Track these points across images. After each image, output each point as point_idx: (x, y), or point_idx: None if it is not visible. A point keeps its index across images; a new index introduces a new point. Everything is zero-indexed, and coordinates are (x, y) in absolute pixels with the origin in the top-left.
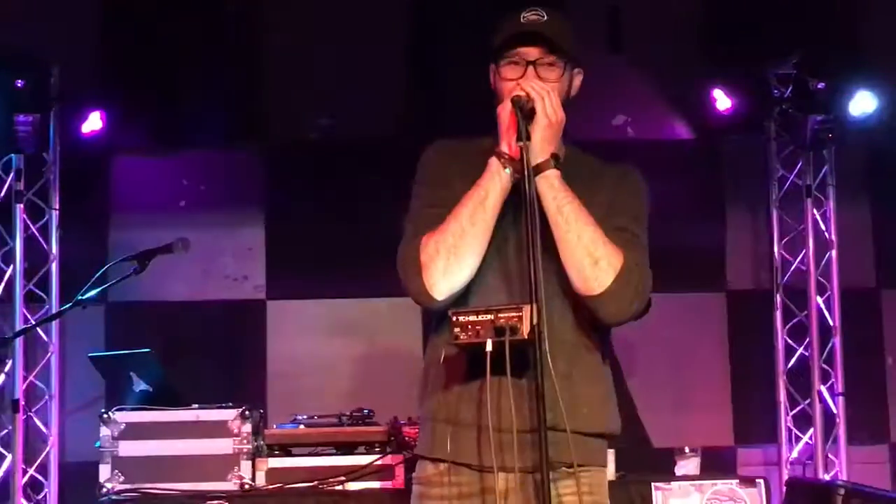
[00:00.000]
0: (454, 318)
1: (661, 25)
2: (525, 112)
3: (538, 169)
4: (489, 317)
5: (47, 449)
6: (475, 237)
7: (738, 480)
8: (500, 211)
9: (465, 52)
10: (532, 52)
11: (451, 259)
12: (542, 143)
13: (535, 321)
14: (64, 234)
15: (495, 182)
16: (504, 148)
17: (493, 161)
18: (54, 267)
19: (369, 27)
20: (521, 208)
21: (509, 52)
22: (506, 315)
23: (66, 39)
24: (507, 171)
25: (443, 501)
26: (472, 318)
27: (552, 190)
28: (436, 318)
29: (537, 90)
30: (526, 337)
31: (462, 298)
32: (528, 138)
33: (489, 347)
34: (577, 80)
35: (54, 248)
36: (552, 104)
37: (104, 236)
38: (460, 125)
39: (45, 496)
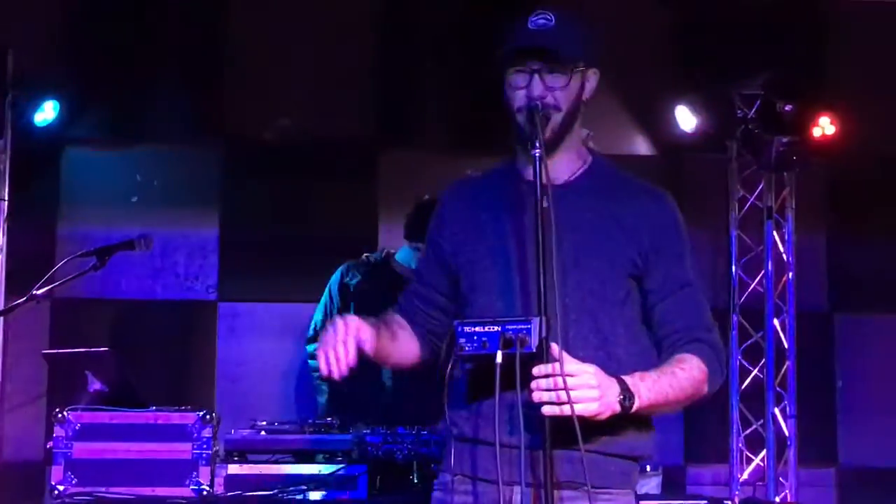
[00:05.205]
0: (459, 329)
1: (628, 40)
2: (541, 118)
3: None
4: (496, 328)
5: None
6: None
7: (706, 501)
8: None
9: (430, 59)
10: (535, 61)
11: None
12: (608, 409)
13: (543, 334)
14: (11, 224)
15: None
16: None
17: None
18: (1, 259)
19: (333, 28)
20: (533, 222)
21: (515, 61)
22: (514, 327)
23: (23, 24)
24: None
25: None
26: (479, 328)
27: (648, 400)
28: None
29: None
30: (534, 350)
31: (470, 310)
32: (542, 146)
33: (499, 359)
34: (593, 81)
35: (1, 240)
36: (586, 399)
37: (52, 229)
38: (421, 130)
39: None
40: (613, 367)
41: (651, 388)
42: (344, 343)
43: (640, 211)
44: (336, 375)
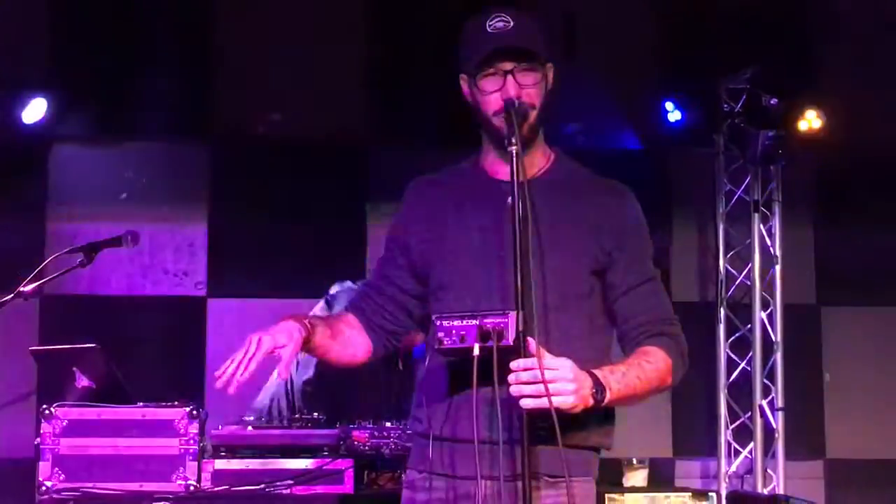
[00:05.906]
0: (438, 323)
1: (617, 35)
2: (518, 116)
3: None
4: (474, 322)
5: None
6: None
7: (690, 493)
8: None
9: (420, 56)
10: (507, 62)
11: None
12: (583, 402)
13: (521, 327)
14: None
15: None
16: None
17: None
18: None
19: (325, 25)
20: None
21: (485, 66)
22: (492, 320)
23: (11, 21)
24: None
25: None
26: (457, 322)
27: (618, 393)
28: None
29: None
30: (511, 343)
31: (439, 307)
32: (519, 142)
33: (476, 352)
34: (551, 73)
35: None
36: (564, 392)
37: (41, 226)
38: (413, 128)
39: None
40: (574, 361)
41: (620, 380)
42: (246, 360)
43: (603, 207)
44: (229, 389)
